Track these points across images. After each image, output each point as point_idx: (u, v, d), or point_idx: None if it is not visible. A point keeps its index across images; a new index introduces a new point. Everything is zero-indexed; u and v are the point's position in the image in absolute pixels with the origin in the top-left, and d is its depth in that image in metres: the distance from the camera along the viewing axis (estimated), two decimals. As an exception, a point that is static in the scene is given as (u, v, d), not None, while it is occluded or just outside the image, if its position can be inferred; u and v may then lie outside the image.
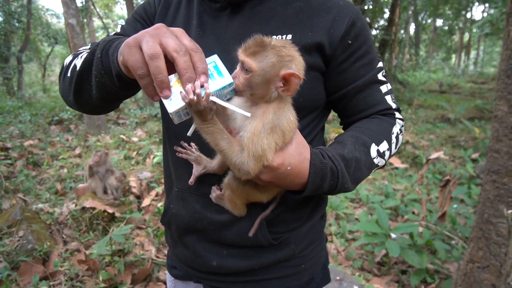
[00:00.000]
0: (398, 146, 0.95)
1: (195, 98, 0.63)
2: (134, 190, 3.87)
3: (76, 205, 3.35)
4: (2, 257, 2.36)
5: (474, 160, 5.41)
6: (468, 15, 26.59)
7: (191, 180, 0.91)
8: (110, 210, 3.20)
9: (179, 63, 0.63)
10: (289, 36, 0.85)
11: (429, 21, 27.10)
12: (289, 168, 0.73)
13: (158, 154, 4.95)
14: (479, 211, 2.02)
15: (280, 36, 0.85)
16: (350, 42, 0.87)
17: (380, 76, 0.92)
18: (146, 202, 3.71)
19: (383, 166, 0.92)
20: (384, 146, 0.89)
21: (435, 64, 24.90)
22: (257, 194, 0.86)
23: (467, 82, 17.46)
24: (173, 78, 0.67)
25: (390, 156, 0.92)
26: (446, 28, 27.61)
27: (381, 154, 0.88)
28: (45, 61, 21.12)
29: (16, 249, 2.45)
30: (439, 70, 23.27)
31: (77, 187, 3.90)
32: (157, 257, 2.82)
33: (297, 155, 0.74)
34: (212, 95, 0.66)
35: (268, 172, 0.73)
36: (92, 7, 16.42)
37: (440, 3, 19.93)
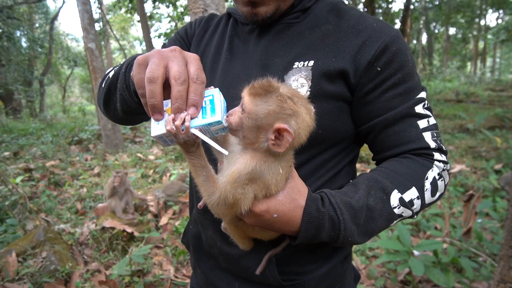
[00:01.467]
0: (438, 195, 0.80)
1: (174, 129, 0.62)
2: (151, 208, 3.91)
3: (96, 225, 3.40)
4: (27, 278, 2.41)
5: (497, 171, 5.22)
6: (482, 22, 26.25)
7: (200, 204, 0.88)
8: (129, 230, 3.24)
9: (173, 91, 0.63)
10: (311, 62, 0.78)
11: (441, 30, 26.90)
12: (275, 215, 0.67)
13: (174, 172, 5.01)
14: (508, 228, 1.94)
15: (302, 63, 0.79)
16: (379, 69, 0.77)
17: (418, 109, 0.79)
18: (163, 220, 3.74)
19: (411, 217, 0.77)
20: (411, 193, 0.75)
21: (450, 73, 24.51)
22: (255, 231, 0.79)
23: (484, 90, 17.05)
24: (169, 103, 0.66)
25: (424, 205, 0.78)
26: (460, 36, 27.28)
27: (405, 204, 0.75)
28: (65, 83, 22.02)
29: (40, 270, 2.50)
30: (455, 79, 22.86)
31: (97, 207, 3.97)
32: (176, 277, 2.82)
33: (288, 202, 0.68)
34: (195, 129, 0.64)
35: (251, 216, 0.69)
36: (109, 30, 17.12)
37: (452, 12, 19.79)
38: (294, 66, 0.80)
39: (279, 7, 0.84)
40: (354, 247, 3.32)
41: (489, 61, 33.69)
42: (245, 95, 0.64)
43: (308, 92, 0.77)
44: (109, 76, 0.90)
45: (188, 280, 2.75)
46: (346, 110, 0.82)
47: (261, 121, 0.62)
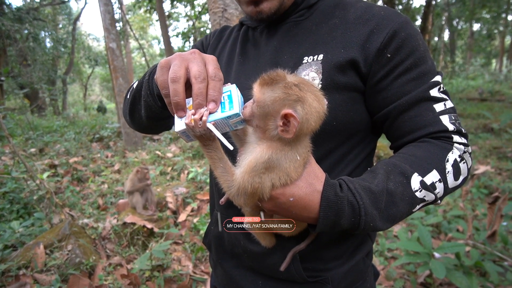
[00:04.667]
0: (462, 179, 0.78)
1: (192, 123, 0.66)
2: (170, 205, 3.99)
3: (117, 220, 3.50)
4: (54, 269, 2.51)
5: (524, 173, 5.03)
6: (509, 17, 25.18)
7: (222, 200, 0.90)
8: (149, 226, 3.32)
9: (193, 89, 0.67)
10: (321, 56, 0.79)
11: (464, 26, 25.99)
12: (291, 199, 0.68)
13: (192, 170, 5.09)
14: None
15: (311, 57, 0.80)
16: (389, 55, 0.77)
17: (434, 92, 0.78)
18: (182, 217, 3.81)
19: (435, 201, 0.75)
20: (433, 176, 0.73)
21: (473, 71, 23.64)
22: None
23: (510, 88, 16.36)
24: (191, 101, 0.70)
25: (447, 189, 0.76)
26: (485, 32, 26.25)
27: (427, 187, 0.73)
28: (86, 82, 22.68)
29: (66, 262, 2.60)
30: (479, 77, 22.03)
31: (118, 203, 4.09)
32: (194, 272, 2.87)
33: (305, 186, 0.68)
34: (210, 123, 0.68)
35: (269, 201, 0.70)
36: (129, 29, 17.48)
37: (477, 7, 19.06)
38: (303, 61, 0.81)
39: (282, 2, 0.85)
40: (373, 248, 3.28)
41: (515, 58, 32.25)
42: (255, 86, 0.68)
43: (320, 85, 0.78)
44: (133, 87, 0.94)
45: (206, 276, 2.80)
46: (359, 100, 0.82)
47: (268, 108, 0.65)
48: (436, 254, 2.67)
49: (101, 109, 16.66)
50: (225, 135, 0.72)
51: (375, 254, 3.22)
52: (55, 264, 2.55)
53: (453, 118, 0.79)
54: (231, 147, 0.68)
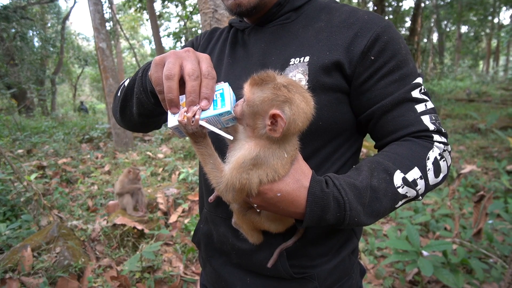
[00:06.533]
0: (442, 176, 0.81)
1: (185, 120, 0.67)
2: (161, 206, 3.96)
3: (107, 222, 3.47)
4: (42, 272, 2.47)
5: (509, 172, 5.14)
6: (495, 20, 25.72)
7: (211, 198, 0.91)
8: (139, 227, 3.29)
9: (187, 86, 0.68)
10: (307, 58, 0.82)
11: (453, 28, 26.45)
12: (279, 194, 0.69)
13: (183, 171, 5.06)
14: (519, 229, 1.92)
15: (298, 59, 0.83)
16: (373, 58, 0.79)
17: (415, 94, 0.81)
18: (173, 218, 3.79)
19: (416, 198, 0.78)
20: (414, 173, 0.76)
21: (461, 72, 24.09)
22: (262, 222, 0.82)
23: (497, 90, 16.73)
24: (184, 98, 0.72)
25: (428, 186, 0.78)
26: (472, 34, 26.78)
27: (409, 183, 0.75)
28: (75, 82, 22.35)
29: (54, 265, 2.56)
30: (466, 78, 22.48)
31: (108, 204, 4.05)
32: (185, 273, 2.86)
33: (292, 182, 0.70)
34: (203, 120, 0.69)
35: (255, 196, 0.71)
36: (119, 29, 17.29)
37: (464, 10, 19.43)
38: (290, 63, 0.84)
39: None
40: (362, 247, 3.32)
41: (502, 60, 33.01)
42: (246, 86, 0.69)
43: (306, 86, 0.80)
44: (125, 85, 0.95)
45: (197, 277, 2.79)
46: (344, 101, 0.84)
47: (257, 108, 0.66)
48: (424, 252, 2.71)
49: (81, 110, 16.61)
50: (212, 133, 0.72)
51: (365, 253, 3.26)
52: (43, 267, 2.51)
53: (434, 118, 0.82)
54: (231, 137, 0.70)
